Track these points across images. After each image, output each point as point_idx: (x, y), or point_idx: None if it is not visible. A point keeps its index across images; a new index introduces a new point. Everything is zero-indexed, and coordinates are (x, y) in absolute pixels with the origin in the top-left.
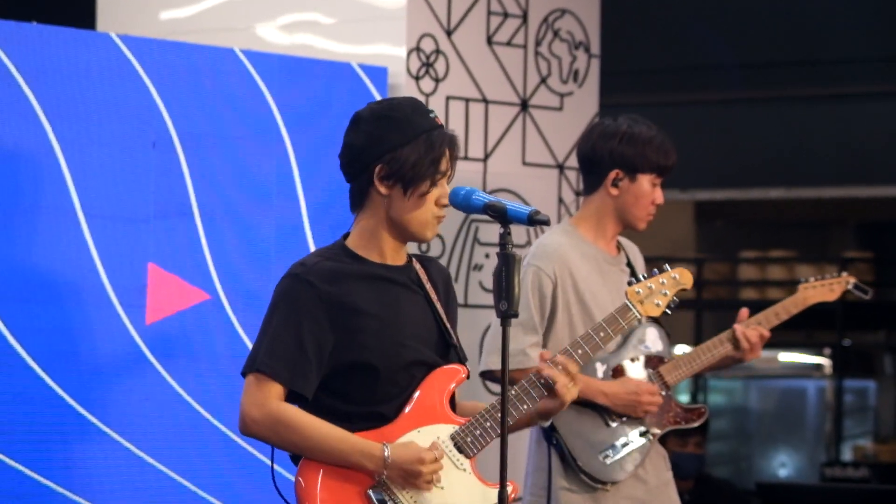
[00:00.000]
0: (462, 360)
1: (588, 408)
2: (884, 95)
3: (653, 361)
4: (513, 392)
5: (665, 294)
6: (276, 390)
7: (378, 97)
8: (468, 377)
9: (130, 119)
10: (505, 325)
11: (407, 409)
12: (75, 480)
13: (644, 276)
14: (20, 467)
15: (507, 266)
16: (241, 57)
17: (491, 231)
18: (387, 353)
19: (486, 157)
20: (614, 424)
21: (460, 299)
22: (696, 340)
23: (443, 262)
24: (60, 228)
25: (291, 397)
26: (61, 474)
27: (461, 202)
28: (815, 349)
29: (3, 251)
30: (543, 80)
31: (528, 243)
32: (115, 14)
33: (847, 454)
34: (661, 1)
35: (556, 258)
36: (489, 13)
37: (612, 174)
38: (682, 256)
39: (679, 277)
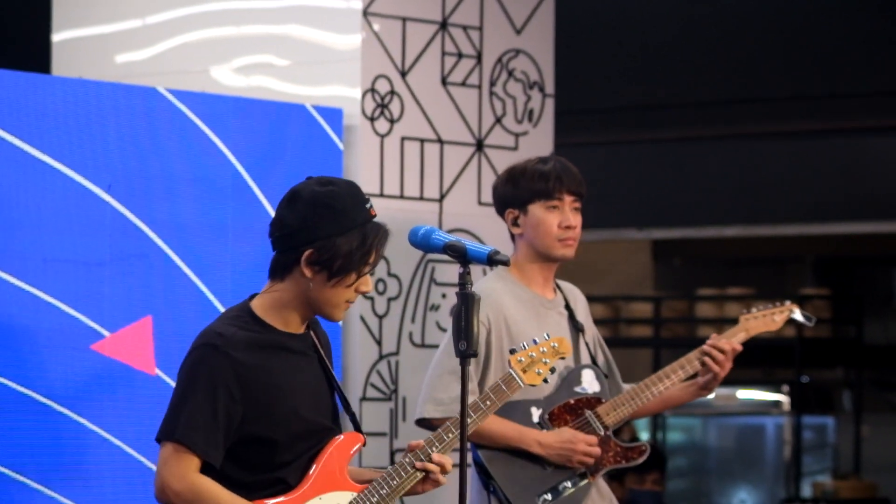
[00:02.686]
0: (358, 427)
1: (524, 454)
2: (837, 133)
3: (589, 403)
4: (391, 468)
5: (546, 363)
6: (194, 462)
7: (334, 138)
8: (364, 444)
9: (84, 162)
10: (464, 364)
11: (309, 477)
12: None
13: (525, 346)
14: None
15: (466, 305)
16: (167, 95)
17: (447, 271)
18: (287, 425)
19: (442, 197)
20: (550, 468)
21: (417, 339)
22: None
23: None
24: (19, 272)
25: (202, 466)
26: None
27: (420, 241)
28: (774, 386)
29: None
30: (498, 120)
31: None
32: (71, 58)
33: (806, 490)
34: (615, 40)
35: (490, 304)
36: (443, 54)
37: (508, 216)
38: (639, 294)
39: (558, 346)
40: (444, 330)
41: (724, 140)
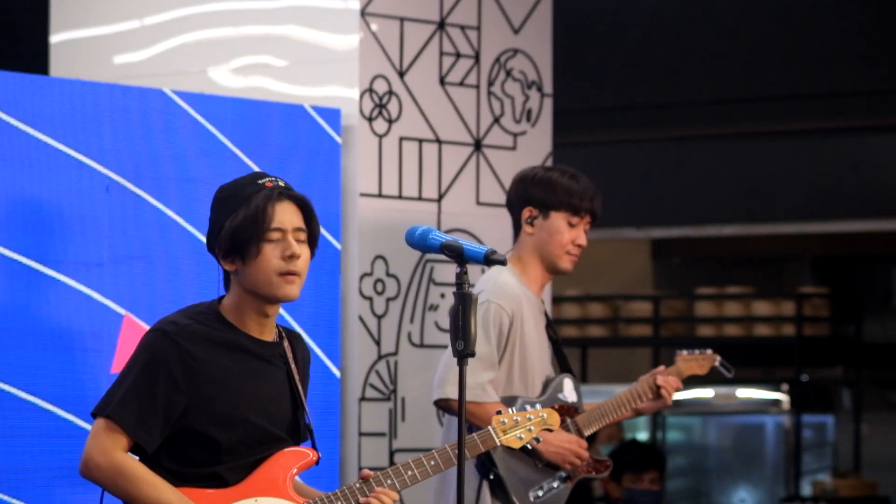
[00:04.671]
0: (314, 444)
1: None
2: (836, 131)
3: (569, 411)
4: (338, 490)
5: (530, 430)
6: (122, 440)
7: (335, 137)
8: (317, 462)
9: (83, 163)
10: (462, 364)
11: (248, 478)
12: None
13: (513, 410)
14: None
15: (464, 305)
16: (172, 96)
17: (446, 271)
18: (230, 427)
19: (441, 197)
20: (540, 465)
21: (416, 339)
22: None
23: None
24: (17, 274)
25: (134, 449)
26: None
27: (417, 241)
28: (773, 385)
29: None
30: (496, 120)
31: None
32: (69, 59)
33: (806, 489)
34: (612, 39)
35: (513, 299)
36: (441, 53)
37: (526, 212)
38: (638, 293)
39: (547, 418)
40: (441, 330)
41: (723, 139)
